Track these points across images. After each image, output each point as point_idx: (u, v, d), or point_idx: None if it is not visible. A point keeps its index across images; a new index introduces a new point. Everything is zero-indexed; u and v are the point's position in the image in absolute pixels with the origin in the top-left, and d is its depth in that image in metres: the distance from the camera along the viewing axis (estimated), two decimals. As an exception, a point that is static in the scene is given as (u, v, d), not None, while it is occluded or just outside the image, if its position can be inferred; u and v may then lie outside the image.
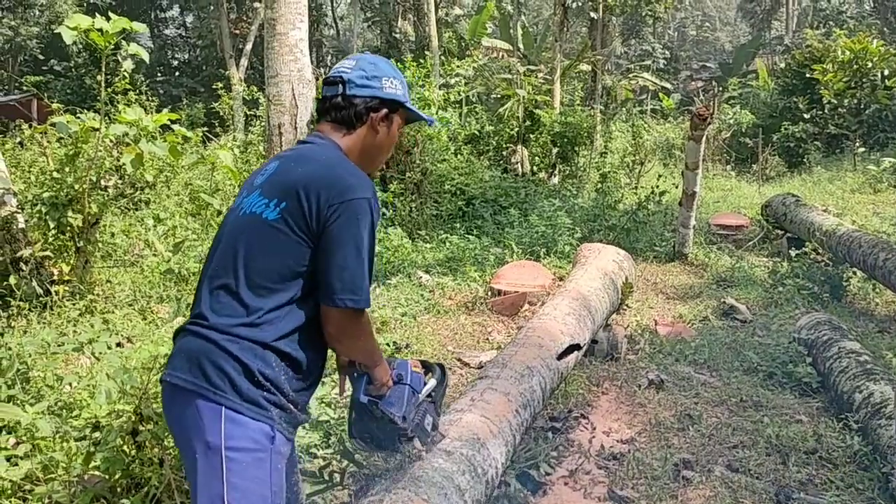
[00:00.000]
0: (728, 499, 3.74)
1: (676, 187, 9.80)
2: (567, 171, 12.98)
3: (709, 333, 6.26)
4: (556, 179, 13.02)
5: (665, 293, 7.61)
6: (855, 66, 15.68)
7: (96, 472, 3.32)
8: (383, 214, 9.48)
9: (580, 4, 20.05)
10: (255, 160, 11.22)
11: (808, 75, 17.58)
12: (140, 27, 6.28)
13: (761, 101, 20.51)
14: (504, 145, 13.09)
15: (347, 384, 2.44)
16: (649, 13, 21.84)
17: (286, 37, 8.66)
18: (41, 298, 6.20)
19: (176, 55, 35.34)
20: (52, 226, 6.43)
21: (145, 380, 3.08)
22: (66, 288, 6.41)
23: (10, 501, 3.22)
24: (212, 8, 29.73)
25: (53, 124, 6.75)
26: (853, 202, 11.93)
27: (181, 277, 7.17)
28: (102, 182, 6.94)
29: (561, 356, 4.47)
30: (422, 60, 13.11)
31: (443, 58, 16.46)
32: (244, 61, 23.89)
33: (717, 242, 9.60)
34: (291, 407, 2.08)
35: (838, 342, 5.17)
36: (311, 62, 8.91)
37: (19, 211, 6.38)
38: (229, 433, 1.95)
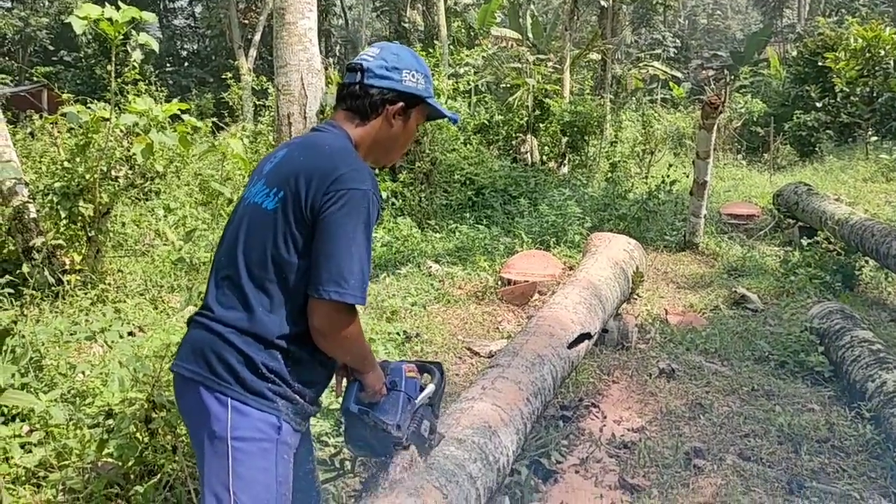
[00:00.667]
0: (740, 487, 3.74)
1: (687, 176, 9.76)
2: (577, 161, 12.92)
3: (720, 323, 6.24)
4: (565, 169, 12.97)
5: (675, 283, 7.59)
6: (868, 54, 15.51)
7: (109, 459, 3.35)
8: (393, 204, 9.47)
9: (590, -7, 19.93)
10: (264, 150, 11.23)
11: (820, 63, 17.44)
12: (149, 17, 6.28)
13: (773, 89, 20.37)
14: (513, 135, 13.04)
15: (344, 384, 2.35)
16: (660, 1, 21.67)
17: (295, 26, 8.65)
18: (53, 288, 6.23)
19: (185, 45, 35.36)
20: (63, 215, 6.45)
21: (158, 368, 3.09)
22: (78, 277, 6.44)
23: (24, 488, 3.25)
24: (221, -2, 29.75)
25: (64, 114, 6.77)
26: (865, 191, 11.85)
27: (192, 266, 7.19)
28: (113, 172, 6.96)
29: (571, 345, 4.46)
30: (431, 50, 13.08)
31: (451, 47, 16.40)
32: (253, 51, 23.88)
33: (727, 232, 9.56)
34: (299, 398, 2.05)
35: (851, 331, 5.14)
36: (320, 52, 8.90)
37: (31, 201, 6.41)
38: (235, 423, 1.95)
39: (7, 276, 5.58)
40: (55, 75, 22.76)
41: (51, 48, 28.42)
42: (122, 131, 7.06)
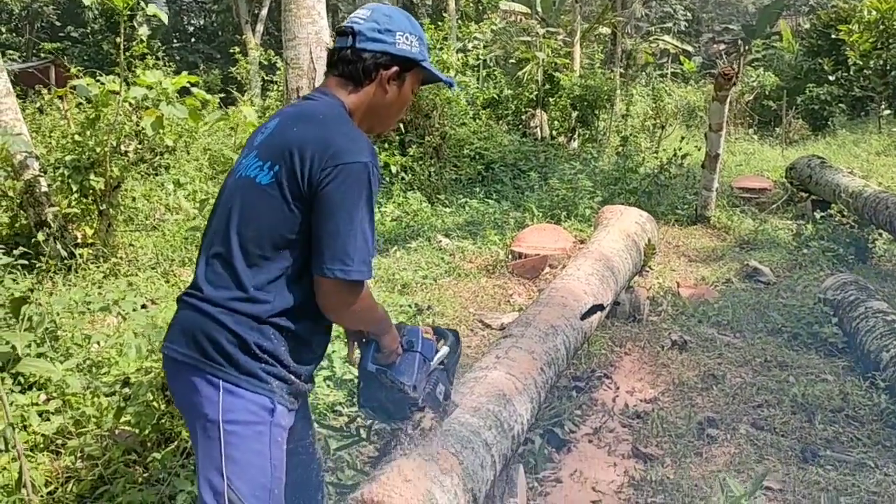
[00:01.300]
0: (753, 456, 3.75)
1: (699, 150, 9.69)
2: (587, 135, 12.84)
3: (732, 295, 6.22)
4: (575, 144, 12.90)
5: (687, 256, 7.56)
6: (882, 27, 15.30)
7: (126, 427, 3.38)
8: (402, 178, 9.45)
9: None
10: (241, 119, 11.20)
11: (833, 36, 17.22)
12: (157, -11, 6.24)
13: (785, 62, 20.14)
14: (523, 109, 12.97)
15: (357, 350, 2.31)
16: (671, -27, 21.38)
17: (303, -1, 8.61)
18: (66, 261, 6.26)
19: (191, 21, 35.17)
20: (74, 189, 6.46)
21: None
22: (90, 251, 6.47)
23: (43, 454, 3.28)
24: (227, -28, 29.54)
25: (74, 88, 6.76)
26: (878, 165, 11.75)
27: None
28: (122, 147, 6.97)
29: (584, 316, 4.45)
30: (440, 23, 12.97)
31: (459, 21, 16.27)
32: (260, 26, 23.71)
33: (739, 205, 9.50)
34: (293, 378, 2.01)
35: (865, 302, 5.12)
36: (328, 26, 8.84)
37: (42, 174, 6.42)
38: (227, 406, 1.90)
39: (21, 248, 5.61)
40: (62, 51, 22.69)
41: (58, 24, 28.32)
42: (131, 106, 7.05)
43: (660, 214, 8.76)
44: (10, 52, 15.01)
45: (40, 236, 5.83)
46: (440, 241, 7.71)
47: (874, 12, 15.33)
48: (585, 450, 3.85)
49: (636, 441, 3.93)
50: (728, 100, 8.28)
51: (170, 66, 13.35)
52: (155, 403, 3.21)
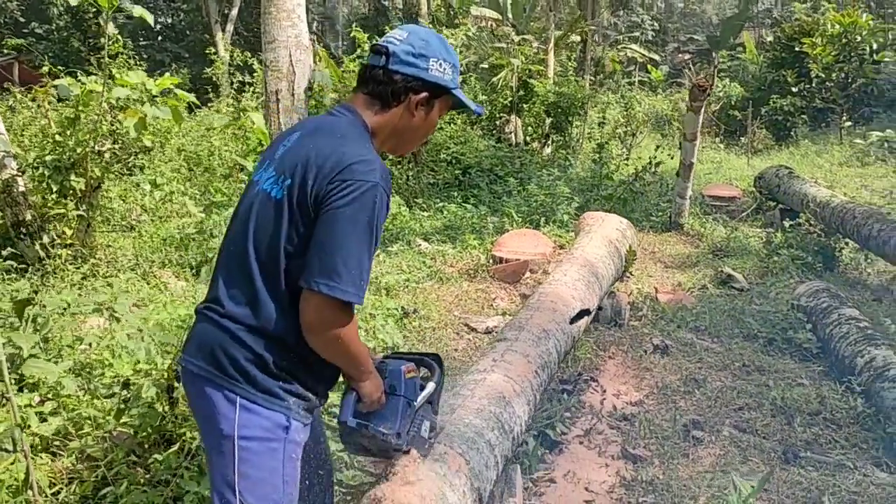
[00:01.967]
0: (738, 457, 3.88)
1: (672, 158, 9.89)
2: (560, 142, 13.01)
3: (708, 301, 6.39)
4: (548, 150, 13.05)
5: (663, 262, 7.73)
6: (844, 40, 15.75)
7: (122, 429, 3.38)
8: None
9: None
10: (249, 125, 11.16)
11: (796, 49, 17.65)
12: (144, -11, 6.21)
13: (750, 74, 20.58)
14: (497, 115, 13.08)
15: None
16: (639, -17, 21.71)
17: (283, 2, 8.60)
18: (44, 262, 6.20)
19: (159, 19, 34.73)
20: (54, 189, 6.40)
21: (182, 337, 3.12)
22: (69, 252, 6.40)
23: (42, 456, 3.27)
24: (195, -29, 29.27)
25: (55, 87, 6.70)
26: (841, 175, 12.08)
27: (211, 236, 7.15)
28: (97, 147, 6.92)
29: (573, 320, 4.56)
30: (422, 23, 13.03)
31: (431, 26, 16.35)
32: (230, 26, 23.57)
33: (711, 213, 9.71)
34: (310, 395, 2.02)
35: (838, 309, 5.30)
36: (305, 29, 8.85)
37: (20, 174, 6.35)
38: (242, 422, 1.91)
39: (9, 249, 5.56)
40: (27, 48, 22.27)
41: (21, 20, 27.79)
42: (109, 105, 7.00)
43: (635, 221, 8.89)
44: (-28, 47, 14.74)
45: (21, 246, 5.77)
46: (420, 245, 7.78)
47: (836, 26, 15.78)
48: (577, 451, 3.95)
49: (625, 442, 4.04)
50: (702, 110, 8.47)
51: (140, 66, 13.20)
52: (157, 406, 3.23)
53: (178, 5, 31.65)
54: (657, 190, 10.23)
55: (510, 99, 12.94)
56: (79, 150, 6.43)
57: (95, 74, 7.54)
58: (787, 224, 8.21)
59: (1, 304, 4.24)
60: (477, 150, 11.23)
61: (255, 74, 11.99)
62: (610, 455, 3.93)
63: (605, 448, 4.00)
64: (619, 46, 25.13)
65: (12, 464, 2.97)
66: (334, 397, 2.80)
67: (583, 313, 4.71)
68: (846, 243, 7.58)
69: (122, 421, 3.31)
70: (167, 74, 6.63)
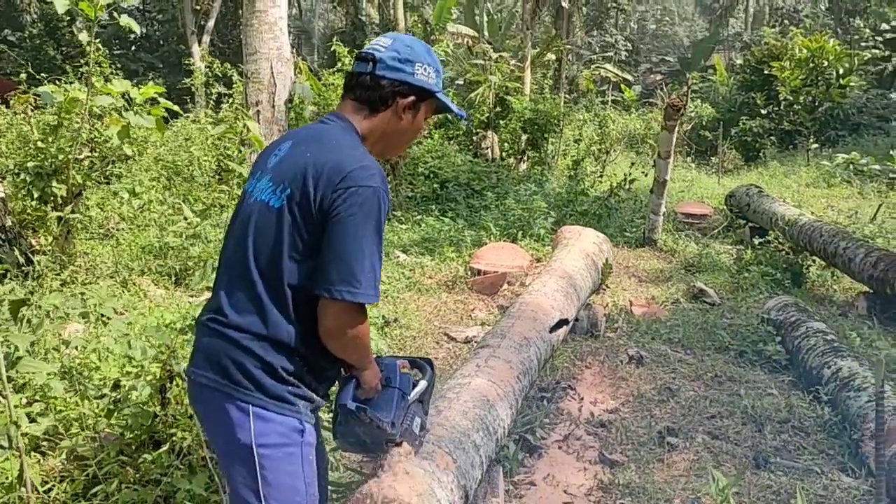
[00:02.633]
0: (711, 462, 4.01)
1: (646, 175, 10.10)
2: (536, 158, 13.20)
3: (681, 314, 6.55)
4: (524, 166, 13.24)
5: (637, 276, 7.90)
6: (811, 65, 16.17)
7: (109, 431, 3.43)
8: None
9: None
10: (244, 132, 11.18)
11: (765, 72, 18.09)
12: (131, -2, 6.28)
13: (721, 95, 21.03)
14: (475, 130, 13.26)
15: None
16: (614, 4, 22.13)
17: (266, 14, 8.71)
18: (23, 268, 6.20)
19: (131, 32, 34.50)
20: (35, 195, 6.41)
21: (175, 339, 3.18)
22: (48, 258, 6.40)
23: (31, 456, 3.31)
24: (172, -18, 29.25)
25: (38, 94, 6.71)
26: (808, 196, 12.38)
27: (161, 252, 7.24)
28: (75, 154, 6.93)
29: (552, 330, 4.68)
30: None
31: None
32: (206, 38, 23.56)
33: (683, 230, 9.93)
34: (315, 396, 2.07)
35: (805, 322, 5.49)
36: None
37: (0, 180, 6.35)
38: (258, 430, 1.94)
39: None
40: (-1, 55, 22.09)
41: (-8, 27, 27.57)
42: (90, 113, 7.02)
43: (610, 236, 9.08)
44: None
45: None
46: (398, 257, 7.87)
47: (804, 51, 16.19)
48: (556, 455, 4.06)
49: (602, 448, 4.16)
50: (676, 129, 8.69)
51: (116, 75, 13.14)
52: (147, 407, 3.28)
53: (153, 16, 31.57)
54: (631, 206, 10.44)
55: (487, 115, 13.13)
56: (60, 156, 6.45)
57: (71, 82, 7.56)
58: (756, 241, 8.44)
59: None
60: (454, 164, 11.38)
61: (233, 86, 12.02)
62: (588, 460, 4.05)
63: (583, 453, 4.11)
64: (594, 66, 25.55)
65: (5, 461, 3.01)
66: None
67: (561, 323, 4.83)
68: (813, 261, 7.80)
69: (112, 421, 3.36)
70: (150, 83, 6.66)
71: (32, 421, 3.51)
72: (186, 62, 15.36)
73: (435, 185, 10.63)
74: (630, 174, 9.69)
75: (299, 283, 1.96)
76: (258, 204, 2.01)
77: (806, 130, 16.60)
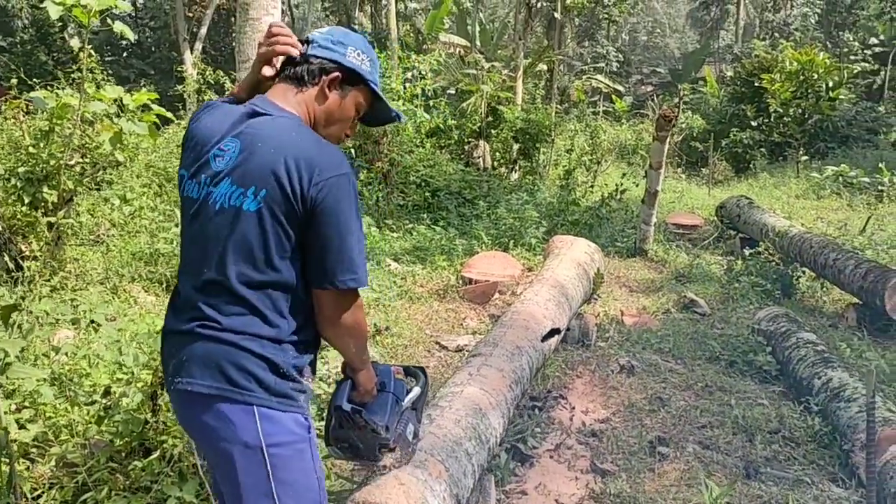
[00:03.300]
0: (702, 472, 4.01)
1: (637, 185, 10.14)
2: (527, 168, 13.24)
3: (672, 324, 6.56)
4: (515, 175, 13.27)
5: (628, 286, 7.92)
6: (801, 77, 16.27)
7: (99, 437, 3.41)
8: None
9: (542, 5, 20.39)
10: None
11: (756, 84, 18.21)
12: (124, 5, 6.27)
13: (711, 107, 21.15)
14: (466, 140, 13.29)
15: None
16: (605, 16, 22.26)
17: (259, 22, 8.66)
18: (12, 274, 6.17)
19: (124, 38, 34.44)
20: (26, 201, 6.38)
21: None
22: (38, 264, 6.37)
23: (19, 463, 3.28)
24: (164, -11, 29.25)
25: (30, 99, 6.68)
26: (798, 207, 12.46)
27: (151, 258, 7.22)
28: (66, 160, 6.91)
29: (544, 339, 4.69)
30: (388, 52, 13.22)
31: (400, 51, 16.55)
32: (198, 45, 23.54)
33: (674, 240, 9.96)
34: (310, 385, 2.05)
35: (796, 333, 5.51)
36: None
37: (-12, 186, 6.33)
38: (266, 431, 1.91)
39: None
40: (-10, 60, 22.03)
41: (-16, 32, 27.47)
42: (82, 119, 7.01)
43: (601, 246, 9.11)
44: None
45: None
46: (390, 265, 7.87)
47: (794, 64, 16.30)
48: (547, 465, 4.05)
49: (593, 457, 4.16)
50: (668, 140, 8.73)
51: (108, 81, 13.10)
52: (140, 413, 3.26)
53: (145, 22, 31.54)
54: (622, 217, 10.48)
55: (479, 124, 13.16)
56: (52, 162, 6.42)
57: (62, 88, 7.54)
58: (747, 252, 8.47)
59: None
60: (446, 173, 11.41)
61: (225, 93, 12.02)
62: (579, 469, 4.05)
63: (575, 462, 4.11)
64: (585, 77, 25.67)
65: (-8, 468, 2.98)
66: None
67: (554, 332, 4.84)
68: (803, 272, 7.84)
69: (102, 427, 3.34)
70: (144, 90, 6.65)
71: (22, 427, 3.49)
72: (178, 69, 15.37)
73: (426, 194, 10.65)
74: (621, 184, 9.73)
75: (291, 281, 1.95)
76: (228, 211, 1.94)
77: (796, 142, 16.71)
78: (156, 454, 3.19)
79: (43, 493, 3.09)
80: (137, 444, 3.35)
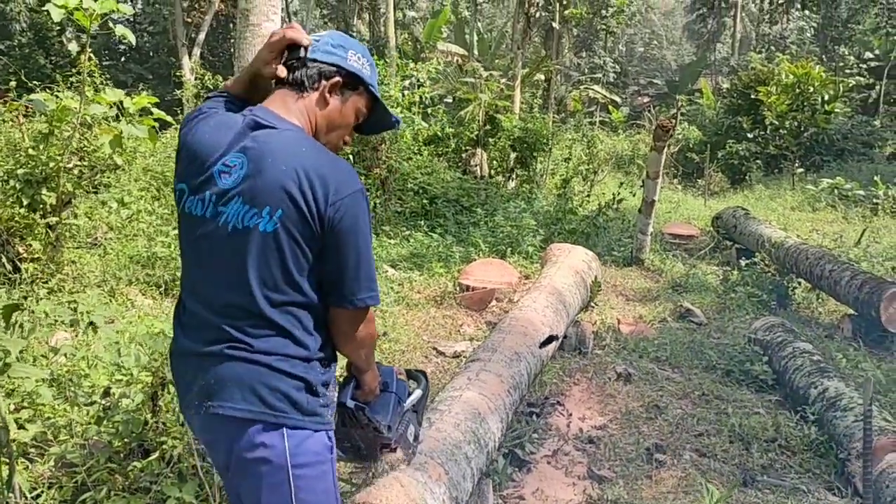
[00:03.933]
0: (699, 479, 4.02)
1: (634, 195, 10.18)
2: (524, 176, 13.29)
3: (668, 333, 6.59)
4: (512, 184, 13.32)
5: (625, 295, 7.94)
6: (797, 90, 16.37)
7: (98, 438, 3.41)
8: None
9: (540, 15, 20.49)
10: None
11: (752, 96, 18.31)
12: (126, 9, 6.30)
13: (707, 118, 21.25)
14: (463, 148, 13.32)
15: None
16: (603, 27, 22.38)
17: (259, 28, 8.67)
18: (10, 275, 6.17)
19: (122, 40, 34.48)
20: (25, 203, 6.38)
21: (168, 347, 3.17)
22: (35, 266, 6.37)
23: (18, 462, 3.28)
24: (163, -6, 29.30)
25: (30, 102, 6.70)
26: (793, 219, 12.52)
27: (149, 262, 7.22)
28: (64, 163, 6.92)
29: (542, 345, 4.70)
30: (386, 59, 13.27)
31: (398, 59, 16.62)
32: (197, 50, 23.58)
33: (670, 250, 10.00)
34: (333, 396, 2.05)
35: (792, 343, 5.54)
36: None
37: (-14, 187, 6.33)
38: (293, 451, 1.89)
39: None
40: (-12, 63, 22.02)
41: (-18, 35, 27.46)
42: (81, 123, 7.02)
43: (598, 255, 9.14)
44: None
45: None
46: (387, 272, 7.88)
47: (791, 76, 16.41)
48: (544, 470, 4.06)
49: (590, 463, 4.17)
50: (665, 150, 8.78)
51: (107, 85, 13.11)
52: (140, 413, 3.27)
53: (144, 27, 31.57)
54: (619, 226, 10.51)
55: (477, 133, 13.20)
56: (51, 164, 6.43)
57: (61, 91, 7.55)
58: (743, 263, 8.51)
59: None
60: (443, 180, 11.43)
61: (223, 97, 12.04)
62: (576, 475, 4.06)
63: (572, 468, 4.12)
64: (582, 87, 25.75)
65: (-8, 466, 2.98)
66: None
67: (551, 339, 4.86)
68: (799, 283, 7.88)
69: (101, 428, 3.34)
70: (144, 94, 6.66)
71: (21, 427, 3.49)
72: (177, 74, 15.40)
73: (424, 201, 10.67)
74: (618, 194, 9.77)
75: (312, 298, 1.93)
76: (243, 232, 1.88)
77: (791, 155, 16.80)
78: (155, 455, 3.19)
79: (42, 492, 3.08)
80: (137, 444, 3.36)
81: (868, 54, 24.24)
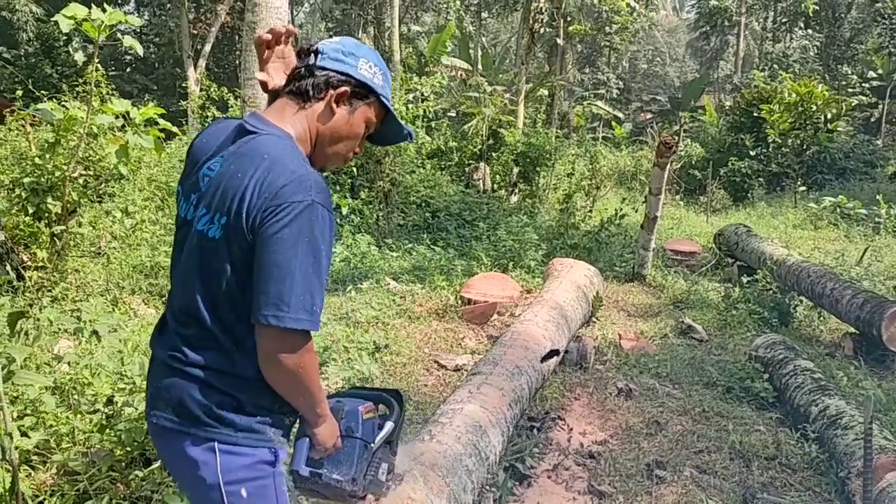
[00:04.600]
0: (699, 496, 4.02)
1: (636, 211, 10.22)
2: (527, 191, 13.34)
3: (669, 349, 6.59)
4: (514, 198, 13.37)
5: (626, 311, 7.95)
6: (800, 109, 16.43)
7: (101, 446, 3.43)
8: (351, 221, 9.63)
9: (545, 31, 20.61)
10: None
11: (755, 114, 18.38)
12: (135, 21, 6.35)
13: (710, 136, 21.33)
14: (467, 161, 13.39)
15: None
16: (607, 43, 22.49)
17: (265, 40, 8.82)
18: (13, 283, 6.19)
19: (129, 50, 34.69)
20: (30, 211, 6.42)
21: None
22: (40, 274, 6.40)
23: (20, 469, 3.29)
24: (168, 6, 29.46)
25: (37, 111, 6.75)
26: (795, 237, 12.55)
27: (152, 271, 7.25)
28: (69, 173, 6.96)
29: (543, 359, 4.72)
30: (391, 73, 13.33)
31: (403, 72, 16.72)
32: (202, 62, 23.73)
33: (672, 266, 10.01)
34: (285, 419, 1.93)
35: (793, 360, 5.54)
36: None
37: (-7, 196, 6.37)
38: (225, 467, 1.81)
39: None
40: (-6, 73, 22.16)
41: (-11, 45, 27.66)
42: (85, 132, 7.06)
43: (599, 270, 9.16)
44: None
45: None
46: (389, 284, 7.90)
47: (794, 95, 16.47)
48: (545, 485, 4.07)
49: (591, 479, 4.17)
50: (667, 167, 8.81)
51: (112, 95, 13.19)
52: (142, 423, 3.28)
53: (150, 38, 31.76)
54: (621, 241, 10.54)
55: (480, 147, 13.26)
56: (57, 173, 6.47)
57: (68, 101, 7.61)
58: (744, 280, 8.52)
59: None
60: (446, 194, 11.49)
61: (228, 110, 12.12)
62: (576, 490, 4.06)
63: (572, 483, 4.12)
64: (585, 102, 25.86)
65: (-5, 474, 3.00)
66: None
67: (552, 353, 4.87)
68: (801, 300, 7.88)
69: (104, 436, 3.36)
70: (150, 104, 6.71)
71: (24, 435, 3.51)
72: (182, 85, 15.50)
73: (426, 215, 10.72)
74: (620, 209, 9.80)
75: (247, 316, 1.79)
76: (198, 236, 1.83)
77: (794, 173, 16.86)
78: (157, 464, 3.21)
79: (44, 500, 3.10)
80: (139, 453, 3.37)
81: (871, 74, 24.35)
